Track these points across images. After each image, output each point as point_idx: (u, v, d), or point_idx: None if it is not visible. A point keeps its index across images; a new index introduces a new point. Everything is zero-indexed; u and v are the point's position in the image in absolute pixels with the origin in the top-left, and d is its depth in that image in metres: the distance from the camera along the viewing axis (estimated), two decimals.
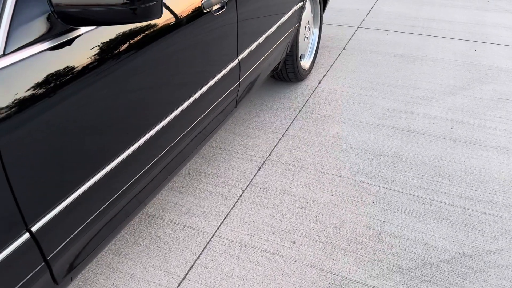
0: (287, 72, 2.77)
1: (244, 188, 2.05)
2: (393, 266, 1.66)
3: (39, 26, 1.00)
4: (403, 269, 1.65)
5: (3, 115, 0.89)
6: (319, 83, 3.01)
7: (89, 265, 1.62)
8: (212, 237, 1.79)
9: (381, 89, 2.91)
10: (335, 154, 2.28)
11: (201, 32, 1.55)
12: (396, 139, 2.39)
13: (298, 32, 2.67)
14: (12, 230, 0.98)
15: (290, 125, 2.53)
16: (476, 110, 2.66)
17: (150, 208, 1.94)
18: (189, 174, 2.15)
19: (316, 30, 3.14)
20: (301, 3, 2.56)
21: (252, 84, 2.18)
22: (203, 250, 1.73)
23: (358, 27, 4.03)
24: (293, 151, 2.31)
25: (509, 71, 3.17)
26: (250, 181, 2.09)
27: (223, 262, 1.68)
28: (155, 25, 1.30)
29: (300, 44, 2.81)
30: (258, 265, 1.67)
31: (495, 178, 2.10)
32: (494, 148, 2.31)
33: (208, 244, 1.76)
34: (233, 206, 1.94)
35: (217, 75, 1.74)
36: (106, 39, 1.15)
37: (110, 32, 1.16)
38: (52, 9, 0.98)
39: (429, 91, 2.89)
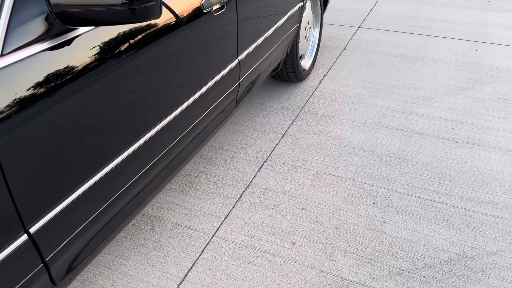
0: (288, 72, 2.76)
1: (244, 188, 2.04)
2: (394, 267, 1.65)
3: (38, 26, 1.00)
4: (403, 270, 1.64)
5: (1, 116, 0.89)
6: (320, 83, 3.00)
7: (88, 266, 1.62)
8: (211, 238, 1.78)
9: (381, 89, 2.91)
10: (335, 154, 2.27)
11: (200, 32, 1.54)
12: (396, 140, 2.38)
13: (298, 32, 2.66)
14: (10, 231, 0.97)
15: (290, 125, 2.52)
16: (477, 110, 2.66)
17: (150, 208, 1.94)
18: (189, 174, 2.14)
19: (317, 30, 3.14)
20: (302, 3, 2.56)
21: (252, 84, 2.17)
22: (202, 251, 1.72)
23: (358, 27, 4.02)
24: (293, 151, 2.30)
25: (510, 71, 3.16)
26: (250, 182, 2.08)
27: (222, 263, 1.67)
28: (154, 25, 1.30)
29: (300, 44, 2.80)
30: (258, 266, 1.66)
31: (496, 179, 2.09)
32: (495, 148, 2.30)
33: (208, 245, 1.75)
34: (233, 207, 1.94)
35: (217, 75, 1.73)
36: (105, 39, 1.14)
37: (109, 32, 1.16)
38: (51, 9, 0.97)
39: (430, 91, 2.89)
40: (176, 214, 1.90)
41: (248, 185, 2.07)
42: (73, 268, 1.24)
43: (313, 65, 3.12)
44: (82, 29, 1.10)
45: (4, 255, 0.96)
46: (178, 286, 1.59)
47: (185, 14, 1.44)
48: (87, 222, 1.24)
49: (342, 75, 3.10)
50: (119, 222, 1.42)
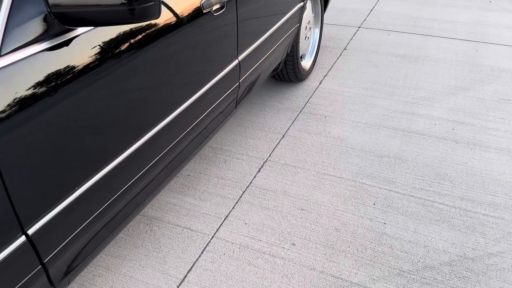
0: (288, 72, 2.76)
1: (244, 189, 2.04)
2: (394, 268, 1.65)
3: (36, 26, 0.99)
4: (403, 271, 1.63)
5: None
6: (320, 83, 2.99)
7: (87, 267, 1.62)
8: (211, 238, 1.78)
9: (382, 90, 2.90)
10: (335, 155, 2.27)
11: (200, 32, 1.53)
12: (397, 140, 2.38)
13: (298, 32, 2.65)
14: (8, 232, 0.96)
15: (290, 125, 2.52)
16: (478, 111, 2.65)
17: (149, 209, 1.93)
18: (189, 175, 2.14)
19: (317, 30, 3.13)
20: (302, 3, 2.55)
21: (252, 84, 2.17)
22: (202, 252, 1.72)
23: (359, 27, 4.01)
24: (293, 152, 2.29)
25: (511, 71, 3.15)
26: (250, 182, 2.08)
27: (222, 264, 1.67)
28: (153, 25, 1.29)
29: (300, 44, 2.79)
30: (257, 267, 1.65)
31: (497, 179, 2.08)
32: (496, 149, 2.30)
33: (208, 246, 1.74)
34: (233, 208, 1.93)
35: (216, 75, 1.72)
36: (104, 40, 1.14)
37: (108, 32, 1.15)
38: (49, 10, 0.97)
39: (431, 91, 2.88)
40: (176, 214, 1.90)
41: (248, 185, 2.06)
42: (72, 269, 1.24)
43: (314, 65, 3.11)
44: (81, 30, 1.09)
45: (2, 257, 0.95)
46: (178, 287, 1.58)
47: (185, 14, 1.43)
48: (86, 223, 1.23)
49: (343, 75, 3.10)
50: (119, 223, 1.42)
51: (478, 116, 2.59)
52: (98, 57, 1.11)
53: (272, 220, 1.86)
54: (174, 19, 1.38)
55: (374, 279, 1.61)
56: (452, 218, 1.86)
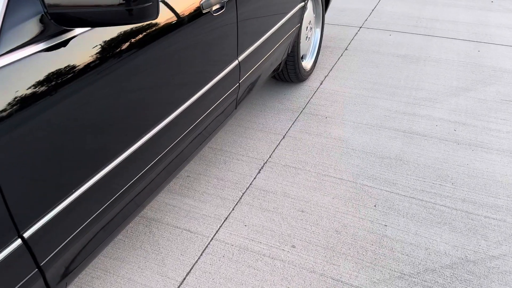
0: (289, 72, 2.74)
1: (244, 190, 2.02)
2: (395, 271, 1.63)
3: (32, 27, 0.98)
4: (404, 274, 1.62)
5: None
6: (321, 83, 2.98)
7: (85, 269, 1.60)
8: (210, 240, 1.77)
9: (383, 90, 2.88)
10: (336, 156, 2.25)
11: (200, 32, 1.52)
12: (398, 141, 2.36)
13: (299, 32, 2.64)
14: (4, 236, 0.95)
15: (291, 126, 2.50)
16: (480, 111, 2.63)
17: (148, 210, 1.92)
18: (188, 176, 2.12)
19: (318, 30, 3.11)
20: (303, 3, 2.54)
21: (252, 85, 2.15)
22: (201, 254, 1.70)
23: (360, 27, 4.00)
24: (293, 153, 2.28)
25: None
26: (250, 184, 2.06)
27: (221, 267, 1.65)
28: (152, 26, 1.28)
29: (301, 45, 2.78)
30: (257, 270, 1.64)
31: (499, 181, 2.07)
32: (498, 150, 2.28)
33: (207, 248, 1.73)
34: (233, 209, 1.92)
35: (216, 76, 1.71)
36: (101, 41, 1.12)
37: (106, 33, 1.14)
38: (45, 10, 0.95)
39: (432, 92, 2.86)
40: (175, 216, 1.89)
41: (248, 187, 2.05)
42: (69, 272, 1.23)
43: (314, 65, 3.10)
44: (78, 30, 1.08)
45: None
46: None
47: (184, 14, 1.42)
48: (84, 225, 1.22)
49: (344, 76, 3.08)
50: (117, 224, 1.41)
51: (480, 117, 2.58)
52: (95, 58, 1.10)
53: (272, 222, 1.85)
54: (173, 19, 1.37)
55: (374, 282, 1.59)
56: (453, 220, 1.85)
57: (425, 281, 1.59)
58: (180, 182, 2.08)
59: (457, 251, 1.71)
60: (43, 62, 0.98)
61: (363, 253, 1.70)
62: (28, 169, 0.98)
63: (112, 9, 0.98)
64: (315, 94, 2.85)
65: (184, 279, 1.61)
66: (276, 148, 2.32)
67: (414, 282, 1.59)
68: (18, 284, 1.01)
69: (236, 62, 1.84)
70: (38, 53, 0.97)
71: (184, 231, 1.81)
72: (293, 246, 1.74)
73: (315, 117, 2.59)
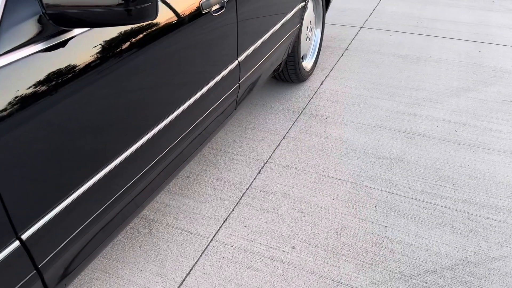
0: (289, 73, 2.74)
1: (244, 191, 2.02)
2: (395, 272, 1.62)
3: (31, 27, 0.97)
4: (405, 276, 1.61)
5: None
6: (321, 84, 2.97)
7: (84, 270, 1.60)
8: (210, 241, 1.76)
9: (384, 91, 2.88)
10: (336, 156, 2.24)
11: (199, 33, 1.51)
12: (399, 142, 2.35)
13: (300, 32, 2.63)
14: (1, 238, 0.95)
15: (291, 126, 2.50)
16: (481, 112, 2.62)
17: (148, 211, 1.91)
18: (188, 176, 2.12)
19: (319, 30, 3.11)
20: (303, 3, 2.53)
21: (252, 85, 2.15)
22: (201, 255, 1.70)
23: (361, 27, 3.99)
24: (294, 153, 2.27)
25: None
26: (250, 184, 2.06)
27: (221, 268, 1.65)
28: (151, 26, 1.27)
29: (302, 45, 2.77)
30: (257, 271, 1.63)
31: (500, 182, 2.06)
32: (499, 151, 2.27)
33: (206, 249, 1.73)
34: (232, 210, 1.91)
35: (215, 77, 1.70)
36: (100, 41, 1.12)
37: (105, 33, 1.13)
38: (44, 11, 0.95)
39: (433, 92, 2.85)
40: (175, 217, 1.88)
41: (248, 187, 2.04)
42: (68, 273, 1.22)
43: (315, 65, 3.09)
44: (77, 31, 1.07)
45: None
46: None
47: (183, 15, 1.41)
48: (83, 226, 1.21)
49: (344, 76, 3.07)
50: (116, 225, 1.40)
51: (481, 117, 2.57)
52: (94, 58, 1.10)
53: (272, 223, 1.84)
54: (172, 20, 1.36)
55: (375, 284, 1.58)
56: (454, 221, 1.84)
57: (426, 282, 1.59)
58: (180, 182, 2.08)
59: (457, 252, 1.70)
60: (41, 63, 0.98)
61: (363, 254, 1.70)
62: (26, 170, 0.97)
63: (111, 10, 0.97)
64: (316, 94, 2.84)
65: (184, 280, 1.60)
66: (276, 148, 2.31)
67: (415, 283, 1.58)
68: (16, 286, 1.01)
69: (236, 62, 1.84)
70: (37, 54, 0.97)
71: (183, 232, 1.81)
72: (293, 247, 1.73)
73: (316, 117, 2.59)
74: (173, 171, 1.64)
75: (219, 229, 1.81)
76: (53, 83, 0.99)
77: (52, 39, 1.01)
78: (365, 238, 1.77)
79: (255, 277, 1.61)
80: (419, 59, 3.34)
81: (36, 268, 1.06)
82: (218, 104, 1.81)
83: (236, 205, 1.94)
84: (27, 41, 0.96)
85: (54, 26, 1.01)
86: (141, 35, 1.24)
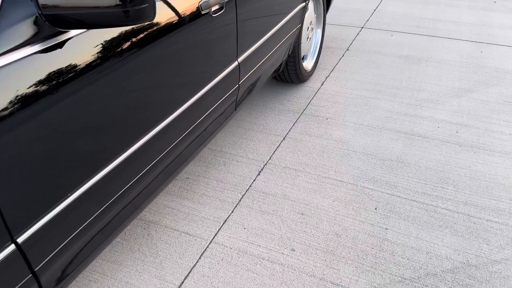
0: (289, 73, 2.72)
1: (244, 193, 2.01)
2: (395, 275, 1.61)
3: (27, 29, 0.96)
4: (405, 279, 1.60)
5: None
6: (322, 84, 2.96)
7: (82, 272, 1.59)
8: (209, 243, 1.75)
9: (385, 91, 2.86)
10: (337, 158, 2.23)
11: (198, 34, 1.50)
12: (399, 143, 2.34)
13: (300, 33, 2.62)
14: None
15: (291, 127, 2.48)
16: (482, 113, 2.61)
17: (147, 213, 1.90)
18: (188, 178, 2.11)
19: (319, 31, 3.09)
20: (304, 3, 2.51)
21: (252, 86, 2.13)
22: (200, 258, 1.69)
23: (362, 28, 3.97)
24: (294, 154, 2.26)
25: None
26: (250, 186, 2.05)
27: (220, 270, 1.64)
28: (149, 27, 1.26)
29: (302, 45, 2.76)
30: (256, 274, 1.62)
31: (501, 184, 2.04)
32: (500, 153, 2.26)
33: (205, 251, 1.71)
34: (232, 212, 1.90)
35: (215, 78, 1.69)
36: (98, 42, 1.11)
37: (102, 35, 1.12)
38: (40, 12, 0.94)
39: (434, 93, 2.84)
40: (174, 218, 1.87)
41: (248, 189, 2.03)
42: (65, 276, 1.21)
43: (316, 66, 3.08)
44: (74, 32, 1.06)
45: None
46: None
47: (182, 15, 1.40)
48: (80, 228, 1.20)
49: (345, 77, 3.06)
50: (115, 227, 1.39)
51: (482, 118, 2.55)
52: (91, 60, 1.08)
53: (272, 225, 1.83)
54: (171, 20, 1.35)
55: (375, 287, 1.57)
56: (455, 223, 1.83)
57: (426, 285, 1.57)
58: (179, 184, 2.07)
59: (458, 255, 1.69)
60: (38, 64, 0.96)
61: (364, 257, 1.68)
62: (21, 173, 0.96)
63: (108, 11, 0.96)
64: (316, 95, 2.83)
65: (182, 282, 1.59)
66: (276, 149, 2.30)
67: (415, 286, 1.57)
68: None
69: (235, 63, 1.83)
70: (33, 55, 0.96)
71: (182, 233, 1.79)
72: (293, 250, 1.72)
73: (316, 118, 2.57)
74: (172, 172, 1.62)
75: (218, 231, 1.80)
76: (50, 84, 0.98)
77: (49, 40, 1.00)
78: (365, 240, 1.75)
79: (254, 279, 1.60)
80: (420, 59, 3.33)
81: (32, 271, 1.05)
82: (218, 105, 1.80)
83: (236, 206, 1.93)
84: (23, 43, 0.95)
85: (50, 27, 1.00)
86: (139, 36, 1.22)
